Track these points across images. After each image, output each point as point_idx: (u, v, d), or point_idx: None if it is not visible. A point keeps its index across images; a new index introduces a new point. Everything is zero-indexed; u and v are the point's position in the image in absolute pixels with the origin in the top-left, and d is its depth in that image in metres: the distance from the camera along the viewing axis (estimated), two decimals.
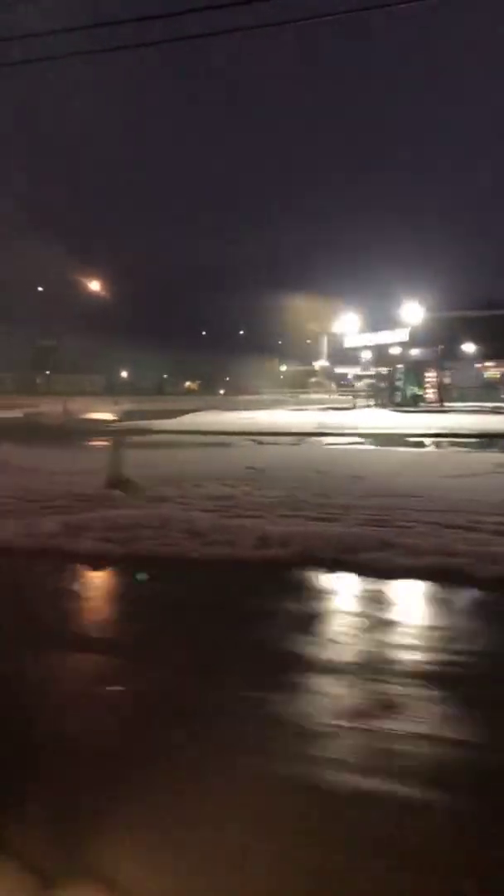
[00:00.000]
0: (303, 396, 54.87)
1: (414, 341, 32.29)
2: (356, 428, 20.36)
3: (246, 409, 36.09)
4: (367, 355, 35.77)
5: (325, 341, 65.78)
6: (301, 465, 11.66)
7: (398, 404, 31.93)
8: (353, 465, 11.78)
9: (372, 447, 15.63)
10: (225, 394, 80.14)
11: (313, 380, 67.31)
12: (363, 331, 36.07)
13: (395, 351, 32.98)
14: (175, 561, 6.20)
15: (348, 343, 35.99)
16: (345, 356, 72.15)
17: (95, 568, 6.10)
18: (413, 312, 32.45)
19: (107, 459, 9.43)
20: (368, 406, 32.61)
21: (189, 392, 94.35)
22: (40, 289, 68.99)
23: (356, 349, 35.62)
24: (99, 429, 22.73)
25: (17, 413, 32.17)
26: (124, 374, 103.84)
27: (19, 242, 71.82)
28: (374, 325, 36.09)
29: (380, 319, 35.10)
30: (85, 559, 6.26)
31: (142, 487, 9.22)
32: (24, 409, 35.48)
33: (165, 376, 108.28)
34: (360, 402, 35.20)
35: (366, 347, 34.44)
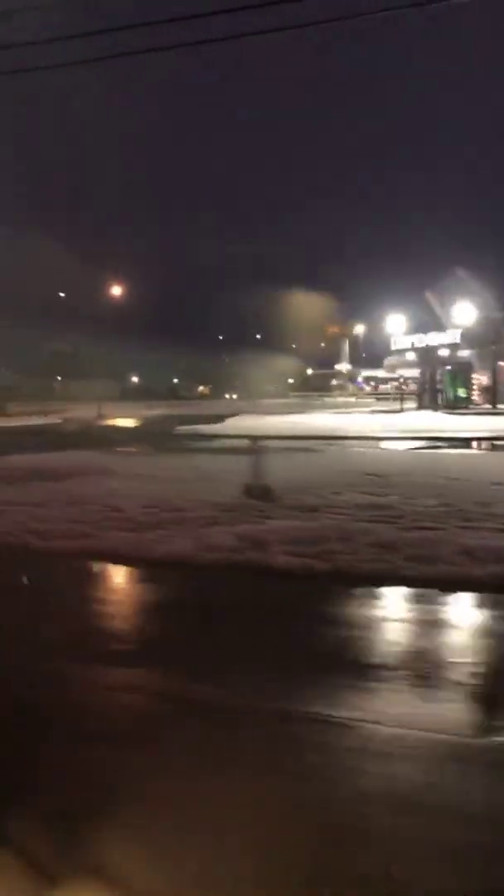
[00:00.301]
0: (328, 399, 54.45)
1: (466, 342, 31.61)
2: (425, 431, 19.82)
3: (283, 413, 35.52)
4: (410, 356, 35.20)
5: (346, 344, 65.36)
6: (421, 472, 11.08)
7: (446, 406, 31.34)
8: (473, 470, 11.18)
9: (466, 451, 14.97)
10: (239, 397, 79.58)
11: (335, 382, 66.80)
12: (409, 332, 35.48)
13: (444, 353, 32.39)
14: (393, 579, 5.60)
15: (395, 345, 35.40)
16: (366, 360, 71.64)
17: (313, 586, 5.52)
18: (465, 313, 31.79)
19: (249, 466, 8.83)
20: (421, 409, 31.99)
21: (203, 396, 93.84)
22: (62, 294, 68.23)
23: (400, 351, 35.03)
24: (163, 433, 22.22)
25: (54, 419, 31.75)
26: (134, 378, 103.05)
27: (26, 244, 71.24)
28: (419, 326, 35.47)
29: (427, 321, 34.43)
30: (291, 576, 5.68)
31: (279, 496, 8.66)
32: (57, 414, 35.06)
33: (175, 381, 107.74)
34: (407, 404, 34.53)
35: (413, 349, 33.83)
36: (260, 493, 8.49)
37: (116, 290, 55.92)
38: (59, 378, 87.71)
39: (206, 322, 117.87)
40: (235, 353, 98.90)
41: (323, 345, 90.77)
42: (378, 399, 57.17)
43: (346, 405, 43.67)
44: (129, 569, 6.03)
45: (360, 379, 73.93)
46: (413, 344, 33.50)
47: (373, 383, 68.29)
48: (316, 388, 70.87)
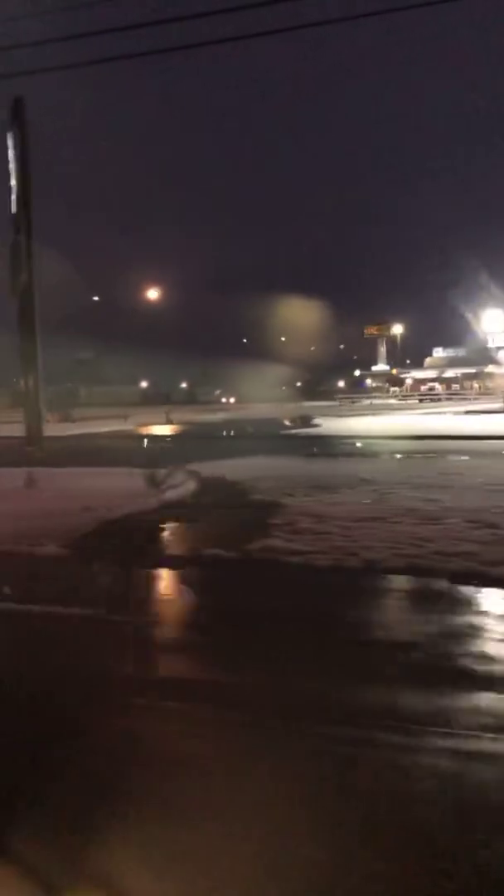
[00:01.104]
0: (377, 402, 52.96)
1: None
2: None
3: (357, 415, 34.09)
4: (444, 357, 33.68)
5: (383, 345, 63.79)
6: None
7: None
8: None
9: None
10: (238, 401, 78.10)
11: (373, 385, 65.11)
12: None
13: None
14: None
15: (493, 342, 33.90)
16: (401, 361, 69.98)
17: None
18: None
19: None
20: None
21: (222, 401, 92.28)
22: (95, 298, 66.57)
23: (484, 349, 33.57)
24: (284, 435, 20.74)
25: (127, 426, 30.41)
26: (143, 383, 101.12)
27: (46, 253, 69.53)
28: None
29: None
30: None
31: None
32: (124, 420, 33.66)
33: (183, 385, 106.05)
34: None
35: None
36: None
37: (153, 294, 54.62)
38: (72, 385, 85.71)
39: (219, 327, 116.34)
40: (250, 357, 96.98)
41: (342, 346, 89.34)
42: (420, 401, 55.82)
43: (402, 407, 42.21)
44: None
45: (366, 382, 72.11)
46: None
47: (392, 387, 66.65)
48: (345, 392, 69.33)
